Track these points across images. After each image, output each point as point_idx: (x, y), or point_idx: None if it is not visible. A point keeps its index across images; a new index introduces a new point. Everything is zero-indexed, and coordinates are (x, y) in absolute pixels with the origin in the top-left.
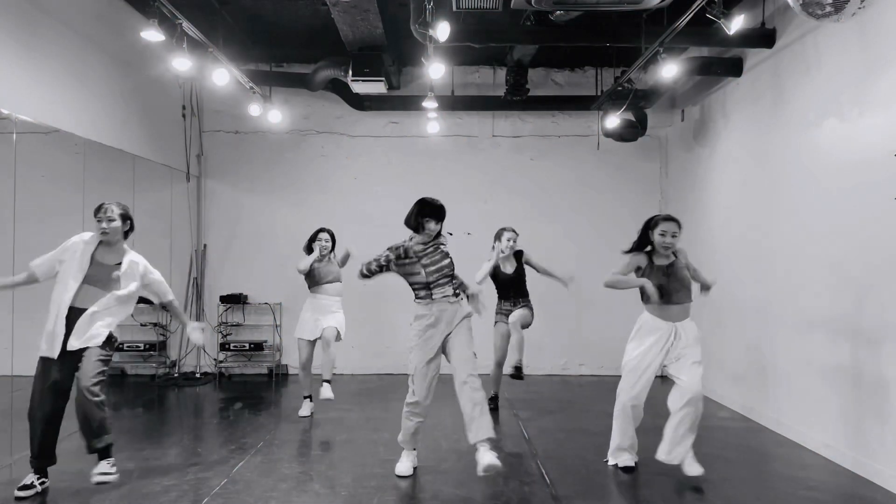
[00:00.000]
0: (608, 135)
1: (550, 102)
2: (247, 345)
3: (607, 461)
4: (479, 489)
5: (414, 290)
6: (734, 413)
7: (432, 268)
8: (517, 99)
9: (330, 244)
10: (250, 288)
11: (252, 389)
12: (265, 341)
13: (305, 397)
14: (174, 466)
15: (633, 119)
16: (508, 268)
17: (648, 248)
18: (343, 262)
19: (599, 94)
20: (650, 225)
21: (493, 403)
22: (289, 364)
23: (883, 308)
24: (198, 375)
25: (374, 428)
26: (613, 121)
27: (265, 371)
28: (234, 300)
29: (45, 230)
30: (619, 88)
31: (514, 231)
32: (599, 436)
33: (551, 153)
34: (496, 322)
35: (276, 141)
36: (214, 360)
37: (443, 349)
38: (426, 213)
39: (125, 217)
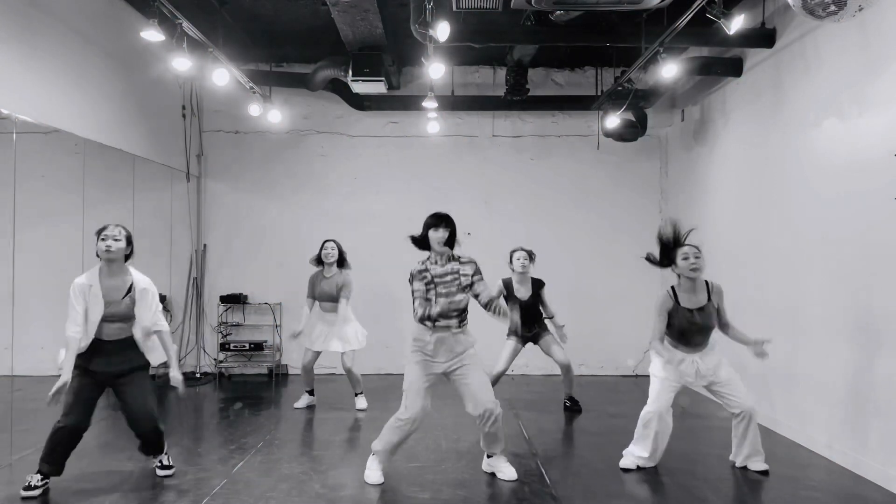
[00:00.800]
0: (608, 135)
1: (550, 102)
2: (247, 345)
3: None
4: (479, 489)
5: (415, 308)
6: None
7: (444, 300)
8: (517, 99)
9: (336, 253)
10: (250, 288)
11: (252, 389)
12: (265, 341)
13: (307, 391)
14: (174, 466)
15: (633, 119)
16: (523, 292)
17: (672, 267)
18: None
19: (599, 93)
20: (669, 251)
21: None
22: (289, 364)
23: (883, 307)
24: (198, 375)
25: (375, 428)
26: (613, 121)
27: (265, 371)
28: (234, 300)
29: (45, 230)
30: (619, 88)
31: (525, 251)
32: (599, 436)
33: (551, 153)
34: (508, 337)
35: (276, 141)
36: (214, 360)
37: (445, 376)
38: (428, 223)
39: (129, 240)
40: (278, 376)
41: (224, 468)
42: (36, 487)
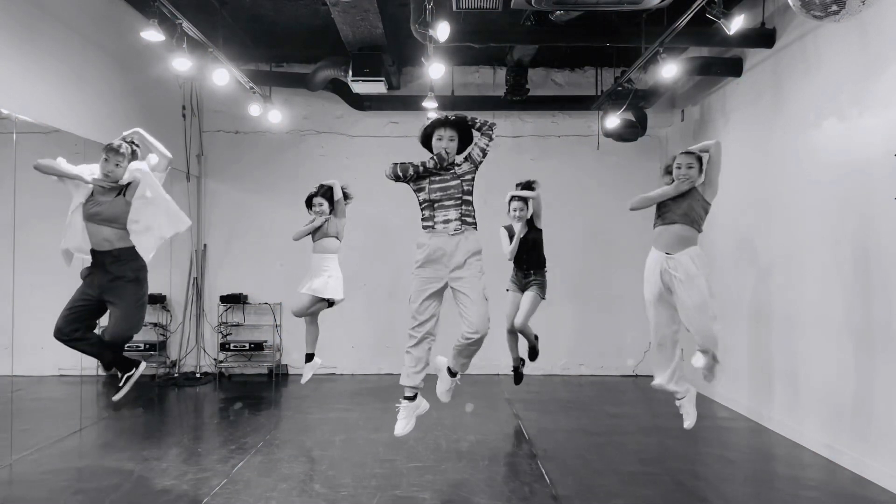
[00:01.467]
0: (608, 135)
1: (550, 102)
2: (247, 345)
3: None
4: (479, 489)
5: (420, 210)
6: (735, 413)
7: (436, 185)
8: (517, 99)
9: (326, 207)
10: (250, 288)
11: (252, 389)
12: (265, 341)
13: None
14: (174, 466)
15: (633, 119)
16: (520, 231)
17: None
18: (340, 209)
19: (599, 94)
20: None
21: (516, 374)
22: (289, 364)
23: (882, 307)
24: (198, 375)
25: (374, 428)
26: (613, 121)
27: (265, 371)
28: (234, 300)
29: (46, 230)
30: (619, 88)
31: (521, 200)
32: (599, 436)
33: (551, 153)
34: (507, 290)
35: (276, 141)
36: (214, 360)
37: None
38: (427, 131)
39: (134, 153)
40: (278, 376)
41: (224, 468)
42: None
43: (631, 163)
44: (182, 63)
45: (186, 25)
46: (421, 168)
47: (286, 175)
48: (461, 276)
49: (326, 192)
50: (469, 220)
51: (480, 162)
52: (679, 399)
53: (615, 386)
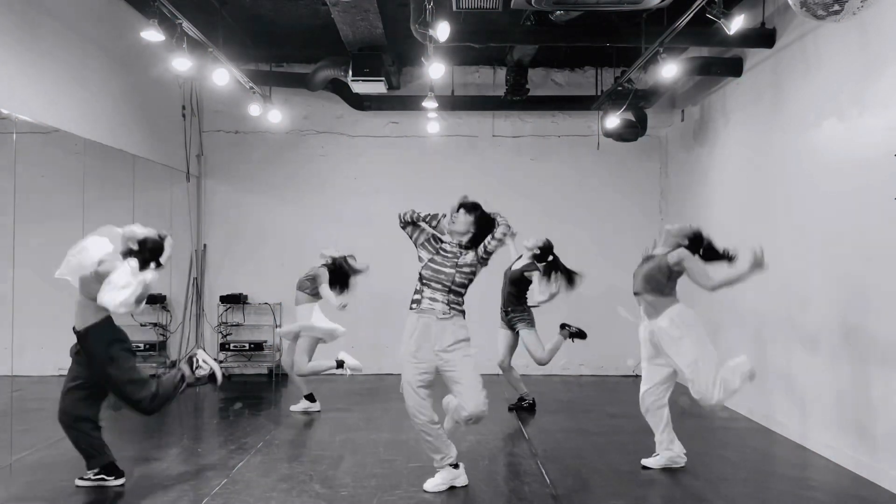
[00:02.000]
0: (608, 135)
1: (550, 102)
2: (247, 345)
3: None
4: (479, 489)
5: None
6: (735, 413)
7: (433, 265)
8: (517, 99)
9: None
10: (250, 288)
11: (252, 389)
12: (265, 341)
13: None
14: (174, 466)
15: (633, 119)
16: (517, 263)
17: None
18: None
19: (599, 94)
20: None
21: (524, 402)
22: None
23: (883, 308)
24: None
25: (374, 428)
26: (613, 121)
27: (265, 371)
28: (234, 300)
29: (46, 230)
30: (619, 88)
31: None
32: (599, 436)
33: (551, 153)
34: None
35: (275, 141)
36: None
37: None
38: (462, 204)
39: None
40: (278, 376)
41: (224, 468)
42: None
43: (631, 163)
44: (182, 63)
45: (186, 25)
46: (420, 217)
47: (286, 175)
48: (450, 360)
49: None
50: (457, 308)
51: (484, 259)
52: (660, 451)
53: (615, 386)
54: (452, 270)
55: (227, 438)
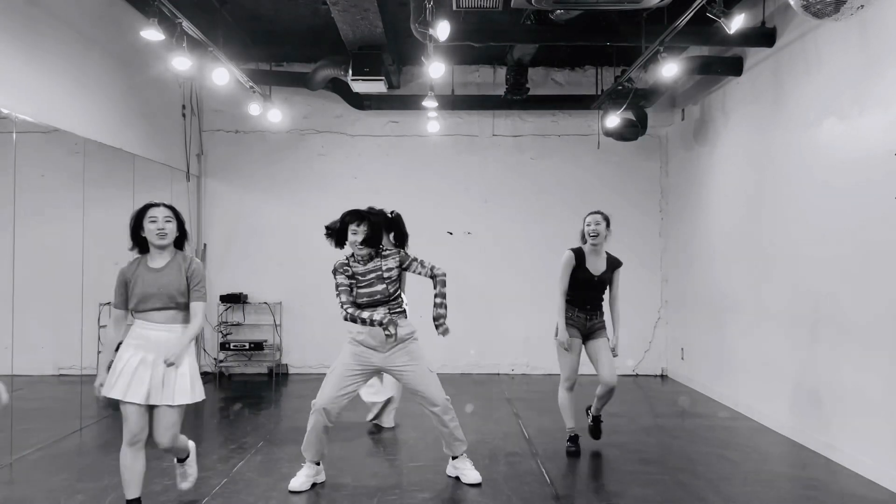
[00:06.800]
0: (608, 134)
1: (550, 102)
2: (247, 344)
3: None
4: (478, 489)
5: (341, 303)
6: (735, 413)
7: (364, 290)
8: (517, 98)
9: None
10: (250, 287)
11: (252, 389)
12: (265, 341)
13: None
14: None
15: (633, 118)
16: (598, 265)
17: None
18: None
19: (600, 93)
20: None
21: (574, 444)
22: (289, 364)
23: (883, 307)
24: None
25: (373, 429)
26: (614, 120)
27: (265, 371)
28: (234, 300)
29: (46, 230)
30: (620, 87)
31: (601, 214)
32: None
33: (551, 152)
34: (567, 330)
35: (275, 140)
36: (214, 359)
37: (384, 371)
38: (345, 219)
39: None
40: (278, 376)
41: (224, 468)
42: None
43: (631, 162)
44: (182, 62)
45: (186, 25)
46: (348, 288)
47: (286, 174)
48: (401, 362)
49: None
50: (398, 310)
51: (403, 268)
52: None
53: None
54: (384, 285)
55: (227, 438)
